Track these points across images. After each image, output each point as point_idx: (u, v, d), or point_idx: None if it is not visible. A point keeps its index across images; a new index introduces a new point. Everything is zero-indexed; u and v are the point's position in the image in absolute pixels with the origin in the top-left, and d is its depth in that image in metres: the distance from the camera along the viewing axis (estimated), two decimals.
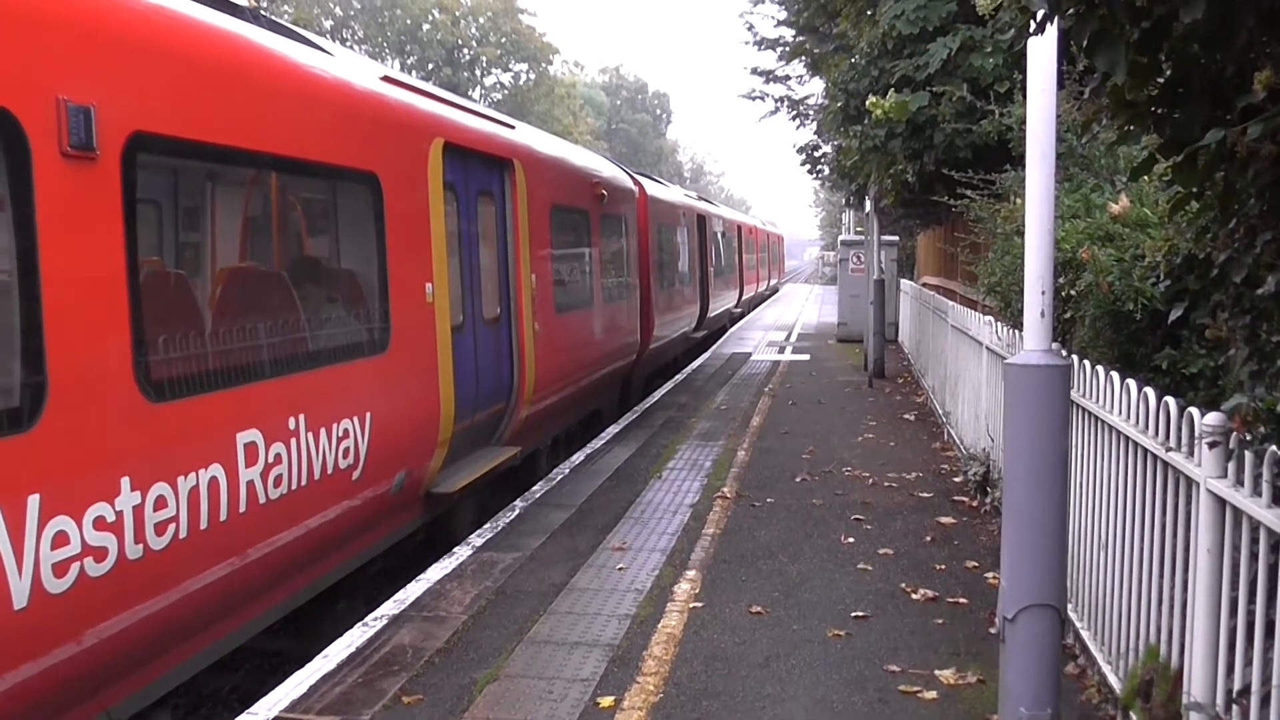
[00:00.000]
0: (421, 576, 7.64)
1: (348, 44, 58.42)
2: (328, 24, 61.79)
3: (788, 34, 25.85)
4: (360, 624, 6.71)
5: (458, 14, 67.14)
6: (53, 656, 4.60)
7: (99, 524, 4.80)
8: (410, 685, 5.77)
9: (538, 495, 10.12)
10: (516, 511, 9.49)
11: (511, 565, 7.85)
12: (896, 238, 25.19)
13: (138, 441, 5.14)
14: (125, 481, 4.99)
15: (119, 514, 4.93)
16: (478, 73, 69.74)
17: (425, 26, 66.26)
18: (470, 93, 62.81)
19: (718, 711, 5.41)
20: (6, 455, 4.38)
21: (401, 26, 65.52)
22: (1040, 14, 3.56)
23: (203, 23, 6.04)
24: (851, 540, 8.36)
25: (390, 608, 6.98)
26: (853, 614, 6.72)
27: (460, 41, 67.71)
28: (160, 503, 5.21)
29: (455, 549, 8.35)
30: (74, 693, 4.84)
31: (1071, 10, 3.42)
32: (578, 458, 12.03)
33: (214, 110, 5.90)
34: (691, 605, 6.93)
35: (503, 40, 68.64)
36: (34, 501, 4.44)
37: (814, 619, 6.67)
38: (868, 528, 8.75)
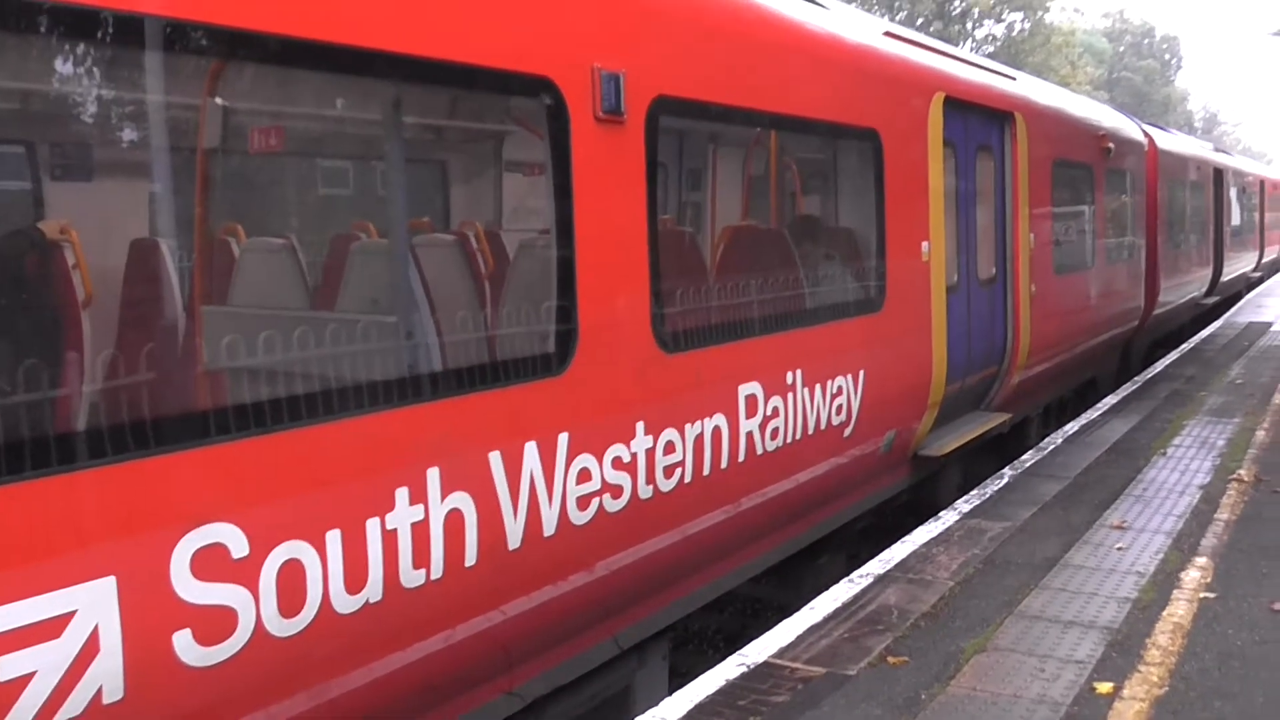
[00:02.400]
0: (907, 538, 7.61)
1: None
2: None
3: None
4: (846, 580, 6.79)
5: None
6: (571, 583, 5.03)
7: (616, 464, 5.15)
8: (895, 646, 5.76)
9: (1028, 464, 9.74)
10: (1005, 480, 9.19)
11: (1000, 534, 7.61)
12: None
13: (652, 389, 5.46)
14: (640, 426, 5.31)
15: (634, 456, 5.26)
16: (969, 25, 67.54)
17: None
18: (961, 45, 60.97)
19: (1232, 715, 4.93)
20: (541, 396, 4.81)
21: None
22: None
23: None
24: None
25: (875, 567, 7.01)
26: None
27: None
28: (669, 448, 5.50)
29: (941, 514, 8.24)
30: (588, 616, 5.28)
31: None
32: (1071, 428, 11.45)
33: (723, 72, 6.09)
34: (1202, 595, 6.37)
35: None
36: (563, 440, 4.83)
37: None
38: None
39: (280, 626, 3.64)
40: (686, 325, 5.82)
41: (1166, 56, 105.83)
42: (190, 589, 3.39)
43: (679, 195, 6.85)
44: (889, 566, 7.00)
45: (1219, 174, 23.44)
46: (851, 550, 8.30)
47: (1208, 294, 22.48)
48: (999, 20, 68.44)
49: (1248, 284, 30.33)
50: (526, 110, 5.28)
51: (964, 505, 8.42)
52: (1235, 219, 26.08)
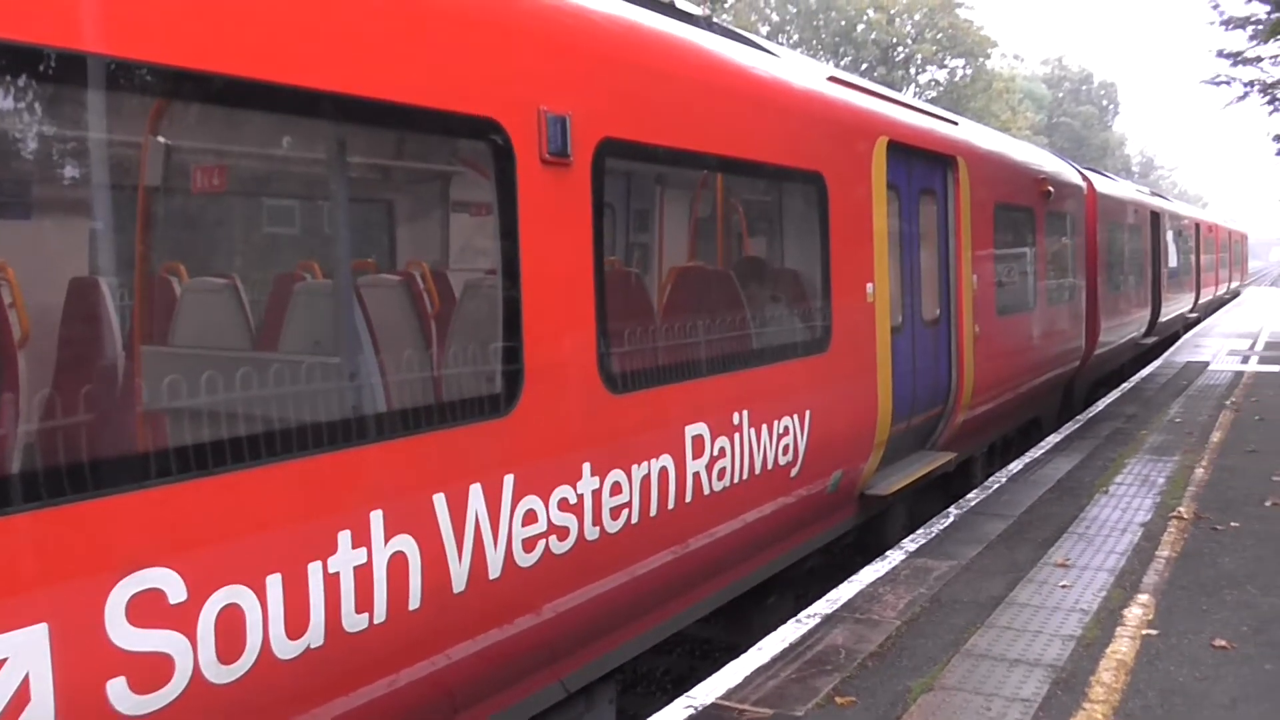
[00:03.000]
0: (854, 578, 7.62)
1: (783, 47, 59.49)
2: (764, 29, 63.26)
3: (1262, 10, 23.43)
4: (794, 620, 6.79)
5: (893, 12, 66.45)
6: (516, 625, 4.98)
7: (563, 505, 5.13)
8: (843, 686, 5.76)
9: (973, 503, 9.81)
10: (951, 518, 9.25)
11: (946, 573, 7.65)
12: None
13: (599, 430, 5.45)
14: (587, 467, 5.30)
15: (580, 497, 5.24)
16: (912, 70, 68.70)
17: (860, 27, 66.16)
18: (904, 91, 61.96)
19: None
20: (487, 438, 4.78)
21: (836, 28, 65.81)
22: None
23: (659, 31, 6.33)
24: None
25: (823, 606, 7.01)
26: None
27: (895, 40, 66.99)
28: (616, 489, 5.49)
29: (888, 553, 8.27)
30: (534, 659, 5.23)
31: None
32: (1016, 466, 11.56)
33: (670, 115, 6.15)
34: (1145, 632, 6.44)
35: (939, 36, 67.10)
36: (509, 481, 4.80)
37: None
38: None
39: (218, 673, 3.56)
40: (633, 366, 5.83)
41: (1104, 102, 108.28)
42: (125, 636, 3.31)
43: (626, 236, 6.86)
44: (836, 606, 7.01)
45: (1156, 217, 23.85)
46: (799, 590, 8.30)
47: (1147, 334, 22.83)
48: (941, 66, 69.70)
49: (1185, 324, 30.84)
50: (473, 151, 5.29)
51: (910, 544, 8.46)
52: (1172, 261, 26.57)
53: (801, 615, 6.88)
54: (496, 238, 4.94)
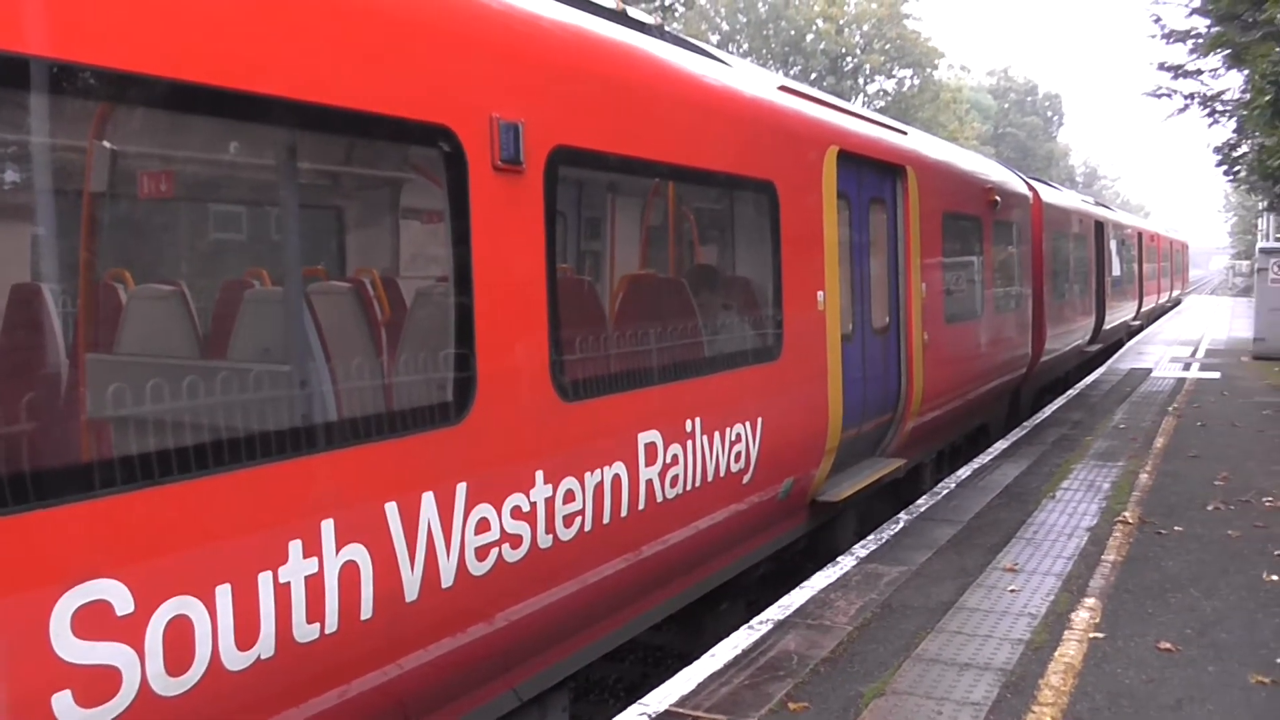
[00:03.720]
0: (806, 584, 7.66)
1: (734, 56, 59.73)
2: (715, 38, 63.58)
3: (1201, 24, 23.93)
4: (747, 626, 6.80)
5: (842, 22, 67.06)
6: (469, 634, 4.94)
7: (516, 513, 5.09)
8: (796, 692, 5.78)
9: (923, 509, 9.89)
10: (901, 524, 9.32)
11: (897, 579, 7.71)
12: None
13: (552, 438, 5.41)
14: (540, 475, 5.26)
15: (533, 505, 5.21)
16: (860, 80, 69.37)
17: (809, 37, 66.70)
18: (853, 100, 62.48)
19: None
20: (439, 446, 4.74)
21: (786, 38, 66.31)
22: None
23: (612, 39, 6.32)
24: (1276, 578, 7.57)
25: (775, 613, 7.03)
26: (1279, 660, 6.08)
27: (844, 50, 67.61)
28: (569, 496, 5.47)
29: (839, 559, 8.31)
30: (488, 667, 5.19)
31: None
32: (964, 472, 11.67)
33: (623, 123, 6.15)
34: (1091, 635, 6.52)
35: (887, 47, 67.90)
36: (462, 489, 4.77)
37: (1233, 662, 6.09)
38: None
39: (166, 685, 3.50)
40: (586, 374, 5.82)
41: (1049, 113, 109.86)
42: (71, 648, 3.25)
43: (578, 244, 6.85)
44: (789, 612, 7.03)
45: (1100, 226, 24.16)
46: (752, 596, 8.32)
47: (1091, 341, 23.14)
48: (890, 76, 70.46)
49: (1129, 332, 31.29)
50: (425, 158, 5.24)
51: (861, 550, 8.51)
52: (1116, 270, 26.92)
53: (754, 621, 6.90)
54: (449, 245, 4.90)
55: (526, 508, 5.17)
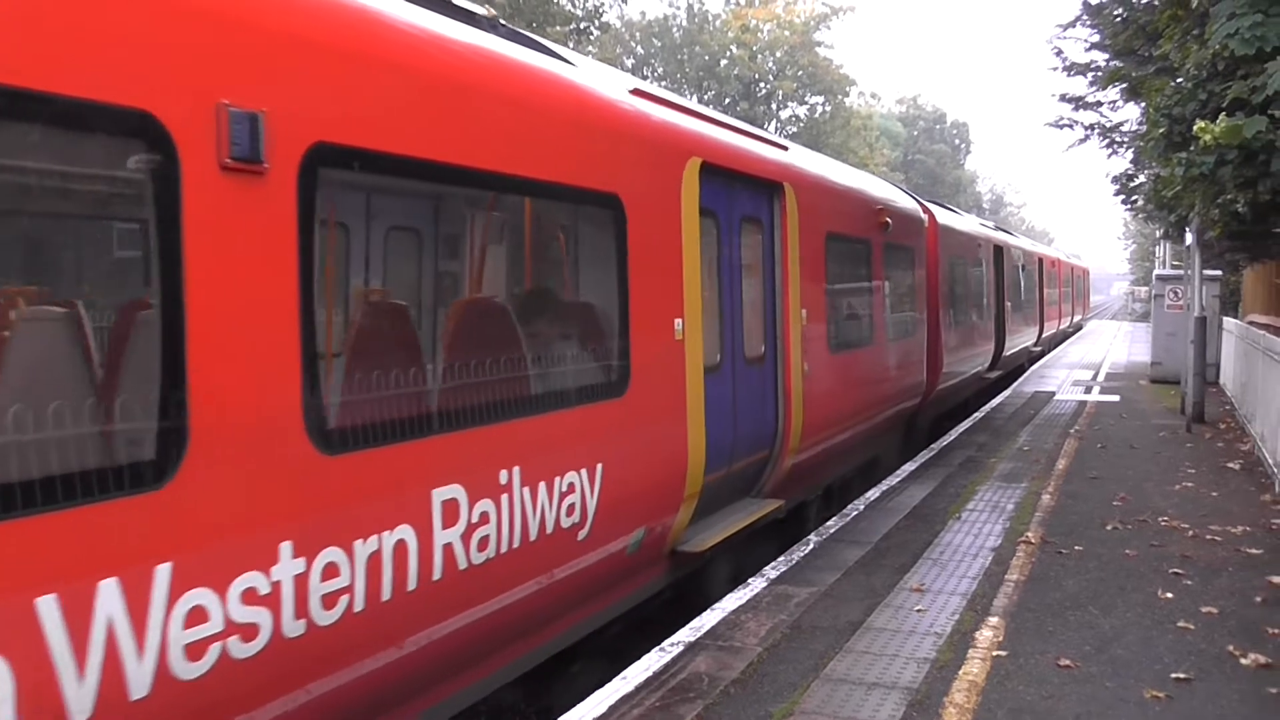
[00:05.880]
0: (716, 606, 7.70)
1: (649, 80, 60.12)
2: (629, 62, 63.97)
3: (1100, 58, 24.68)
4: (657, 649, 6.82)
5: (755, 49, 67.93)
6: None
7: (249, 597, 4.17)
8: (706, 713, 5.81)
9: (832, 530, 10.02)
10: (811, 546, 9.42)
11: (806, 600, 7.79)
12: (1219, 272, 23.38)
13: (305, 500, 4.52)
14: (287, 547, 4.36)
15: (276, 585, 4.29)
16: (774, 106, 70.26)
17: (723, 62, 67.41)
18: (766, 126, 63.24)
19: None
20: (129, 517, 3.78)
21: (700, 63, 66.90)
22: None
23: (412, 23, 5.43)
24: (1170, 595, 7.81)
25: (686, 635, 7.06)
26: (1173, 675, 6.27)
27: (757, 76, 68.45)
28: (330, 571, 4.57)
29: (750, 580, 8.35)
30: None
31: None
32: (873, 494, 11.84)
33: (418, 121, 5.27)
34: (995, 653, 6.66)
35: (799, 73, 68.85)
36: (163, 572, 3.83)
37: (1129, 677, 6.26)
38: (1188, 583, 8.15)
39: None
40: (357, 419, 4.89)
41: (957, 141, 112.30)
42: None
43: (363, 263, 5.76)
44: (699, 634, 7.07)
45: (1000, 251, 24.16)
46: (665, 619, 8.24)
47: (991, 367, 23.09)
48: (802, 102, 71.45)
49: (1030, 357, 31.85)
50: (119, 152, 4.07)
51: (772, 572, 8.58)
52: (1017, 295, 27.45)
53: (665, 644, 6.91)
54: (152, 260, 3.96)
55: (265, 589, 4.23)
